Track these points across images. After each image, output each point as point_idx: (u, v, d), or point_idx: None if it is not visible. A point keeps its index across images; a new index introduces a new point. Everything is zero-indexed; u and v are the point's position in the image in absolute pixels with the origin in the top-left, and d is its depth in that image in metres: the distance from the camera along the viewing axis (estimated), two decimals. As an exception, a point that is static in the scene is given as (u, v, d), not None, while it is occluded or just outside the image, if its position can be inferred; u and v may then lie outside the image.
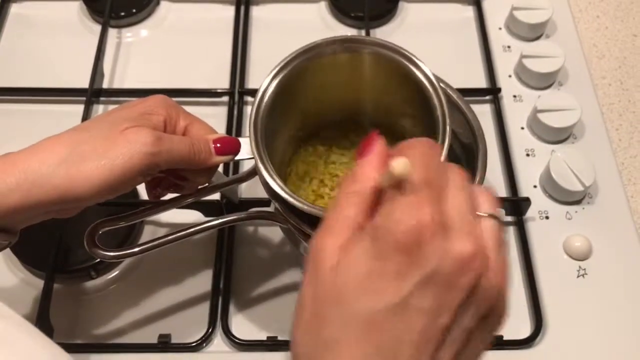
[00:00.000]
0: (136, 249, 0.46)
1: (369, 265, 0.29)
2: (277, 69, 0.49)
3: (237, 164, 0.62)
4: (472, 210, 0.30)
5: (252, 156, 0.46)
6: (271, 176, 0.44)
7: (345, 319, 0.29)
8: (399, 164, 0.29)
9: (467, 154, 0.54)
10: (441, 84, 0.50)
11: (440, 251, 0.28)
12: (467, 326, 0.29)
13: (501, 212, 0.32)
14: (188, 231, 0.48)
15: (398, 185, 0.30)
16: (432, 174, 0.30)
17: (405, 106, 0.52)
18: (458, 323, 0.29)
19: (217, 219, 0.50)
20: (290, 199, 0.43)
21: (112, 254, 0.46)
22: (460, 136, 0.54)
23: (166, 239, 0.47)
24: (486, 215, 0.31)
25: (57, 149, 0.40)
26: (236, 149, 0.46)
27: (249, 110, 0.67)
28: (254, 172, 0.50)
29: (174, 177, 0.46)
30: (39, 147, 0.41)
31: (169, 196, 0.49)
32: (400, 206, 0.29)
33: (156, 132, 0.42)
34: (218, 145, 0.45)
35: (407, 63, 0.48)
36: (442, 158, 0.45)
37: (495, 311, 0.30)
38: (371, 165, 0.32)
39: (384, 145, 0.33)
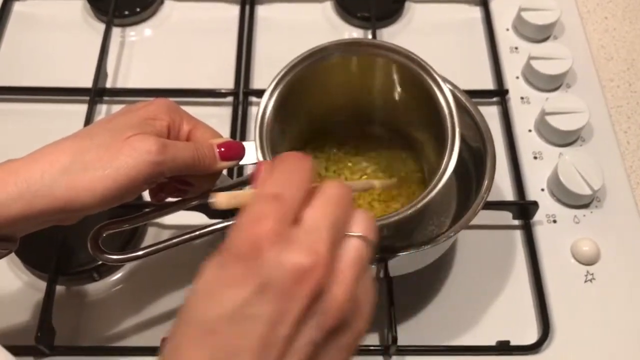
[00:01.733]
0: (140, 252, 0.46)
1: (214, 273, 0.30)
2: (283, 72, 0.48)
3: (241, 166, 0.61)
4: (332, 226, 0.31)
5: (257, 161, 0.45)
6: None
7: (190, 324, 0.30)
8: (219, 199, 0.33)
9: (475, 157, 0.53)
10: (449, 86, 0.49)
11: (274, 262, 0.29)
12: (312, 338, 0.29)
13: (373, 237, 0.33)
14: (192, 234, 0.47)
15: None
16: (288, 185, 0.31)
17: (413, 110, 0.51)
18: (302, 334, 0.29)
19: (222, 222, 0.49)
20: None
21: (116, 257, 0.45)
22: (468, 139, 0.54)
23: (170, 242, 0.47)
24: (356, 235, 0.32)
25: (60, 157, 0.39)
26: (241, 154, 0.46)
27: (253, 110, 0.67)
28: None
29: (178, 182, 0.46)
30: (41, 154, 0.40)
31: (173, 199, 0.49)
32: (243, 217, 0.30)
33: (160, 139, 0.41)
34: (222, 149, 0.45)
35: (416, 68, 0.48)
36: (450, 168, 0.45)
37: (349, 327, 0.31)
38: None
39: (268, 166, 0.33)
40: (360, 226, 0.32)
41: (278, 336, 0.29)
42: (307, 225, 0.30)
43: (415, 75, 0.48)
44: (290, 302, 0.29)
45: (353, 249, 0.31)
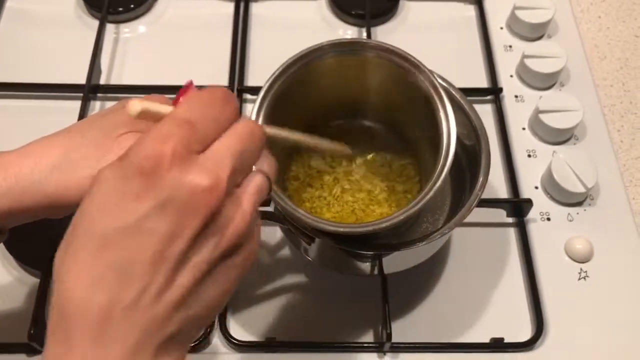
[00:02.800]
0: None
1: (112, 186, 0.30)
2: (277, 72, 0.48)
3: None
4: (238, 157, 0.32)
5: (187, 82, 0.45)
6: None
7: (84, 235, 0.30)
8: (132, 105, 0.32)
9: (469, 155, 0.53)
10: (444, 84, 0.49)
11: (175, 181, 0.29)
12: (207, 257, 0.31)
13: (273, 176, 0.36)
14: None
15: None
16: (203, 116, 0.32)
17: (408, 111, 0.51)
18: (197, 251, 0.30)
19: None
20: (292, 211, 0.44)
21: None
22: (463, 137, 0.54)
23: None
24: (258, 170, 0.34)
25: (50, 153, 0.39)
26: None
27: (248, 108, 0.67)
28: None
29: None
30: (31, 149, 0.40)
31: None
32: (150, 135, 0.30)
33: None
34: None
35: (412, 69, 0.48)
36: (446, 169, 0.45)
37: (242, 248, 0.32)
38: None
39: (192, 91, 0.34)
40: (266, 164, 0.35)
41: (173, 251, 0.29)
42: (212, 153, 0.31)
43: (411, 76, 0.48)
44: (188, 220, 0.30)
45: (254, 181, 0.33)
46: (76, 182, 0.39)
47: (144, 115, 0.32)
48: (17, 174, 0.38)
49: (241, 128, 0.33)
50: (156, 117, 0.32)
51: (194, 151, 0.31)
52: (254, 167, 0.34)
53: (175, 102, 0.34)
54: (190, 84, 0.35)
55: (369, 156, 0.56)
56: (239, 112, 0.34)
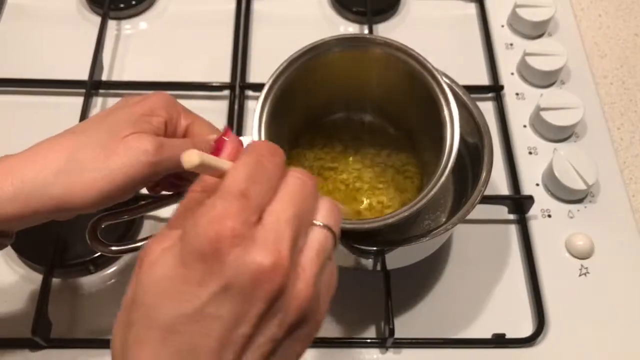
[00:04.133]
0: (138, 244, 0.46)
1: (174, 271, 0.29)
2: (282, 67, 0.48)
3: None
4: (295, 218, 0.30)
5: (224, 128, 0.45)
6: None
7: (147, 321, 0.29)
8: (189, 156, 0.30)
9: (471, 152, 0.53)
10: (447, 81, 0.50)
11: (236, 263, 0.28)
12: (272, 335, 0.29)
13: (336, 227, 0.33)
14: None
15: (213, 185, 0.31)
16: (254, 182, 0.30)
17: (412, 107, 0.52)
18: (262, 332, 0.29)
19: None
20: None
21: (114, 248, 0.45)
22: (465, 134, 0.54)
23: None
24: (320, 224, 0.32)
25: (55, 156, 0.39)
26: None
27: (249, 104, 0.67)
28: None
29: (174, 177, 0.45)
30: (36, 152, 0.40)
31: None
32: (206, 214, 0.29)
33: (157, 138, 0.40)
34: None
35: (416, 64, 0.48)
36: (450, 166, 0.45)
37: (309, 320, 0.31)
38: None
39: (235, 144, 0.34)
40: (324, 216, 0.32)
41: (238, 335, 0.29)
42: (269, 222, 0.30)
43: (415, 72, 0.48)
44: (251, 303, 0.28)
45: (316, 241, 0.31)
46: (82, 184, 0.39)
47: (201, 168, 0.30)
48: (23, 178, 0.38)
49: (293, 185, 0.32)
50: (213, 171, 0.31)
51: (251, 224, 0.29)
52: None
53: (218, 148, 0.33)
54: (227, 130, 0.34)
55: (370, 152, 0.57)
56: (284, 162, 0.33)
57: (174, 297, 0.29)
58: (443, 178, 0.45)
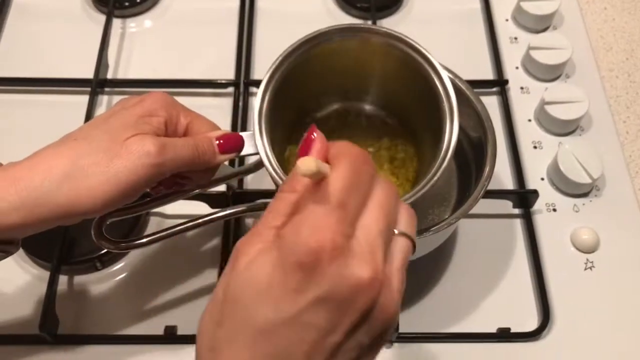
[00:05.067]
0: (144, 240, 0.46)
1: (271, 275, 0.29)
2: (280, 59, 0.48)
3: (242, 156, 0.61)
4: (386, 229, 0.31)
5: (256, 151, 0.45)
6: (277, 173, 0.44)
7: (241, 322, 0.30)
8: (306, 164, 0.30)
9: (475, 147, 0.54)
10: (450, 75, 0.49)
11: (336, 275, 0.29)
12: (360, 343, 0.30)
13: (414, 234, 0.34)
14: (195, 222, 0.48)
15: (315, 192, 0.31)
16: (352, 192, 0.31)
17: (411, 97, 0.51)
18: (351, 340, 0.30)
19: (224, 210, 0.49)
20: None
21: (120, 244, 0.46)
22: (469, 129, 0.54)
23: (173, 230, 0.47)
24: (403, 233, 0.33)
25: (59, 162, 0.39)
26: (240, 145, 0.45)
27: (254, 101, 0.66)
28: (260, 164, 0.50)
29: (177, 176, 0.45)
30: (39, 160, 0.40)
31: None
32: (307, 222, 0.30)
33: (159, 139, 0.41)
34: (221, 142, 0.44)
35: (414, 53, 0.48)
36: (449, 154, 0.45)
37: (390, 329, 0.32)
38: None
39: (324, 143, 0.33)
40: (405, 224, 0.33)
41: (330, 343, 0.29)
42: (364, 236, 0.31)
43: (413, 62, 0.48)
44: (346, 314, 0.29)
45: (401, 251, 0.32)
46: (87, 190, 0.39)
47: (315, 174, 0.30)
48: (28, 186, 0.38)
49: (382, 196, 0.32)
50: (319, 176, 0.31)
51: (349, 236, 0.30)
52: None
53: (305, 148, 0.33)
54: (314, 127, 0.34)
55: (369, 142, 0.57)
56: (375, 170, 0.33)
57: (271, 301, 0.29)
58: (443, 166, 0.45)
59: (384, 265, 0.30)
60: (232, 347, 0.30)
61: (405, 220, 0.33)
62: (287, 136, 0.55)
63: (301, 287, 0.29)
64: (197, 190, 0.49)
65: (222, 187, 0.56)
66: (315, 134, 0.33)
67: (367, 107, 0.57)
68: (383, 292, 0.30)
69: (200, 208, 0.56)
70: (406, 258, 0.32)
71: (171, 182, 0.46)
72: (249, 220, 0.60)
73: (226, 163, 0.53)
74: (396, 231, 0.33)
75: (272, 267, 0.29)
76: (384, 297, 0.30)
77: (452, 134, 0.46)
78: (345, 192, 0.31)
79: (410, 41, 0.48)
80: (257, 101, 0.47)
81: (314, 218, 0.30)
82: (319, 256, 0.29)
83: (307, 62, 0.49)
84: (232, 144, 0.45)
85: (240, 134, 0.46)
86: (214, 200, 0.57)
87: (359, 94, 0.56)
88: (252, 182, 0.61)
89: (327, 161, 0.33)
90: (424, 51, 0.48)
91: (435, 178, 0.45)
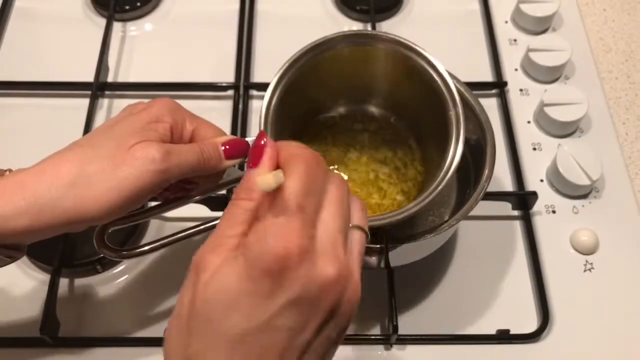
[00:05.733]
0: (146, 248, 0.46)
1: (239, 285, 0.30)
2: (286, 65, 0.48)
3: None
4: (342, 225, 0.33)
5: (259, 134, 0.45)
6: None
7: (212, 334, 0.30)
8: (265, 183, 0.31)
9: (474, 149, 0.54)
10: (454, 83, 0.50)
11: (305, 277, 0.30)
12: (329, 337, 0.32)
13: (366, 225, 0.35)
14: (196, 229, 0.48)
15: (273, 198, 0.31)
16: (308, 195, 0.32)
17: (417, 103, 0.52)
18: (320, 335, 0.31)
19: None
20: None
21: (122, 252, 0.46)
22: (468, 131, 0.53)
23: (175, 237, 0.47)
24: (357, 226, 0.34)
25: (65, 169, 0.39)
26: (245, 151, 0.45)
27: (254, 104, 0.67)
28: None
29: (183, 182, 0.45)
30: (46, 166, 0.40)
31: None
32: (271, 230, 0.30)
33: (164, 145, 0.41)
34: (227, 147, 0.44)
35: (420, 61, 0.48)
36: (456, 160, 0.45)
37: (353, 317, 0.33)
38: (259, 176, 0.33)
39: (274, 150, 0.34)
40: (358, 217, 0.34)
41: (301, 341, 0.30)
42: (324, 231, 0.32)
43: (420, 69, 0.48)
44: (316, 312, 0.30)
45: (357, 244, 0.34)
46: (93, 197, 0.39)
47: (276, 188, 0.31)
48: (35, 192, 0.38)
49: (335, 192, 0.33)
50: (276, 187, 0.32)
51: (312, 237, 0.31)
52: None
53: (256, 155, 0.33)
54: (263, 134, 0.34)
55: (374, 148, 0.57)
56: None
57: (242, 310, 0.30)
58: (448, 176, 0.45)
59: (346, 259, 0.32)
60: (206, 358, 0.30)
61: (358, 213, 0.35)
62: (295, 138, 0.55)
63: (271, 293, 0.30)
64: (199, 197, 0.49)
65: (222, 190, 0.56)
66: (264, 140, 0.34)
67: (374, 112, 0.57)
68: (347, 286, 0.32)
69: (200, 210, 0.56)
70: (362, 248, 0.34)
71: (177, 187, 0.46)
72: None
73: (235, 167, 0.53)
74: (351, 224, 0.34)
75: (238, 277, 0.30)
76: (349, 290, 0.32)
77: (457, 144, 0.46)
78: (303, 195, 0.31)
79: (417, 47, 0.48)
80: (263, 108, 0.47)
81: (277, 225, 0.30)
82: (286, 262, 0.29)
83: (312, 69, 0.49)
84: (237, 149, 0.45)
85: (246, 139, 0.46)
86: (214, 203, 0.57)
87: (365, 100, 0.56)
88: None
89: (278, 165, 0.33)
90: (430, 57, 0.48)
91: (441, 187, 0.45)
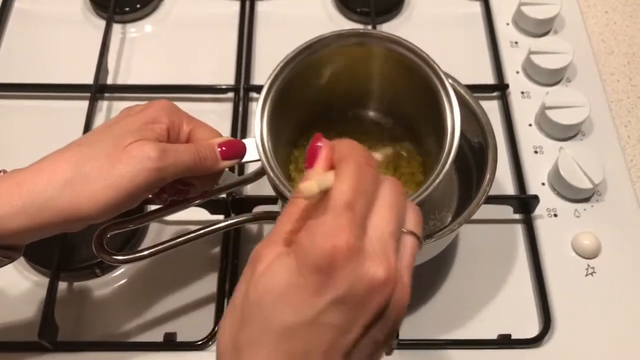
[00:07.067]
0: (145, 253, 0.46)
1: (289, 279, 0.31)
2: (280, 65, 0.48)
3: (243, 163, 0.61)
4: (395, 229, 0.33)
5: (258, 158, 0.45)
6: (279, 180, 0.44)
7: (262, 323, 0.31)
8: (308, 189, 0.31)
9: (475, 152, 0.53)
10: (450, 81, 0.49)
11: (352, 276, 0.30)
12: (376, 339, 0.32)
13: (421, 232, 0.35)
14: (196, 234, 0.47)
15: (323, 199, 0.32)
16: (358, 194, 0.32)
17: (413, 101, 0.51)
18: (367, 337, 0.31)
19: (225, 221, 0.49)
20: None
21: (121, 257, 0.45)
22: (469, 133, 0.54)
23: (174, 242, 0.47)
24: (410, 231, 0.34)
25: (62, 168, 0.39)
26: (241, 152, 0.46)
27: (254, 106, 0.67)
28: (261, 173, 0.50)
29: (180, 183, 0.46)
30: (44, 165, 0.40)
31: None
32: (321, 228, 0.31)
33: (160, 144, 0.41)
34: (223, 149, 0.45)
35: (414, 58, 0.48)
36: (451, 157, 0.45)
37: (401, 321, 0.33)
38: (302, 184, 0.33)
39: (329, 151, 0.34)
40: (412, 222, 0.34)
41: (347, 340, 0.31)
42: (375, 235, 0.32)
43: (414, 66, 0.48)
44: (363, 312, 0.31)
45: (409, 249, 0.34)
46: (89, 195, 0.39)
47: (319, 193, 0.32)
48: (31, 191, 0.39)
49: (390, 195, 0.33)
50: (324, 191, 0.32)
51: (361, 237, 0.31)
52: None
53: (312, 157, 0.34)
54: (319, 136, 0.35)
55: (372, 147, 0.56)
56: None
57: (291, 304, 0.30)
58: (446, 167, 0.45)
59: (396, 262, 0.32)
60: (253, 347, 0.31)
61: (413, 219, 0.34)
62: (295, 136, 0.55)
63: (319, 289, 0.30)
64: (199, 201, 0.48)
65: (222, 194, 0.56)
66: (320, 143, 0.34)
67: (370, 111, 0.57)
68: (396, 289, 0.31)
69: (199, 214, 0.56)
70: (414, 255, 0.34)
71: (174, 189, 0.46)
72: (249, 226, 0.60)
73: (232, 172, 0.53)
74: (404, 229, 0.34)
75: (289, 272, 0.31)
76: (397, 294, 0.32)
77: (453, 137, 0.46)
78: (352, 194, 0.32)
79: (410, 45, 0.48)
80: (258, 108, 0.47)
81: (326, 223, 0.31)
82: (334, 258, 0.30)
83: (306, 69, 0.49)
84: (234, 150, 0.45)
85: (243, 140, 0.46)
86: (213, 207, 0.57)
87: (361, 98, 0.56)
88: (252, 188, 0.61)
89: (333, 166, 0.34)
90: (424, 54, 0.48)
91: (438, 180, 0.45)
